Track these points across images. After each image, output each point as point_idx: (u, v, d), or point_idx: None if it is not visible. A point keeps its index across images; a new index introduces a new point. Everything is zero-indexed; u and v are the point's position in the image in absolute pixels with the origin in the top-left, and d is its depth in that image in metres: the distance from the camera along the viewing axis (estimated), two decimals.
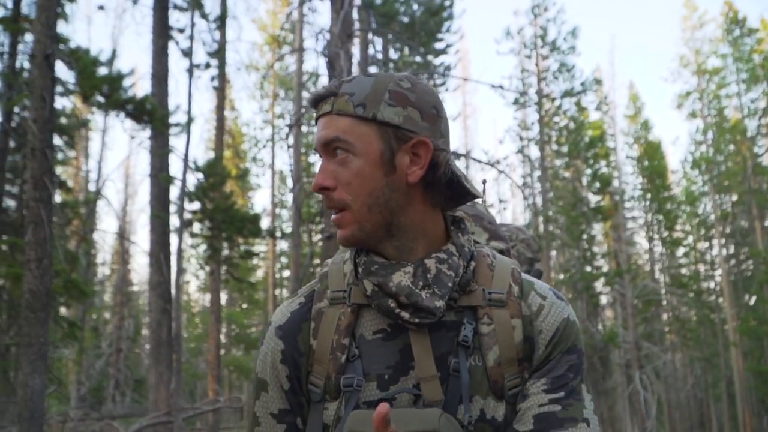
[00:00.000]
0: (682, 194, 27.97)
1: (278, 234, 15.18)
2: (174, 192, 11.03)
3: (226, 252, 13.13)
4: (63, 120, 13.04)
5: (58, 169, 13.77)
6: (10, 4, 10.35)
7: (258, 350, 1.10)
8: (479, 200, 1.10)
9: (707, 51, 25.80)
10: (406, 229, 1.01)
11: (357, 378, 0.98)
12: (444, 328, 1.00)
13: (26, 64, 11.58)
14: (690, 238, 28.70)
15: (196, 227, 12.33)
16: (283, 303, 1.11)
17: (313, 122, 21.28)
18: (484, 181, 1.53)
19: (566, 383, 1.00)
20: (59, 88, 7.96)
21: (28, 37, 10.41)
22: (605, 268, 23.92)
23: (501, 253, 1.39)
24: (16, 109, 11.54)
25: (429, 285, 0.98)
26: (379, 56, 16.70)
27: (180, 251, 10.82)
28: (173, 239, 10.54)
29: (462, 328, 0.99)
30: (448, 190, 1.03)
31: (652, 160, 25.87)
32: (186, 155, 10.60)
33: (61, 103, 12.60)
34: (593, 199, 22.87)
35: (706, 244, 28.63)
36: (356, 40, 13.16)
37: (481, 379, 0.99)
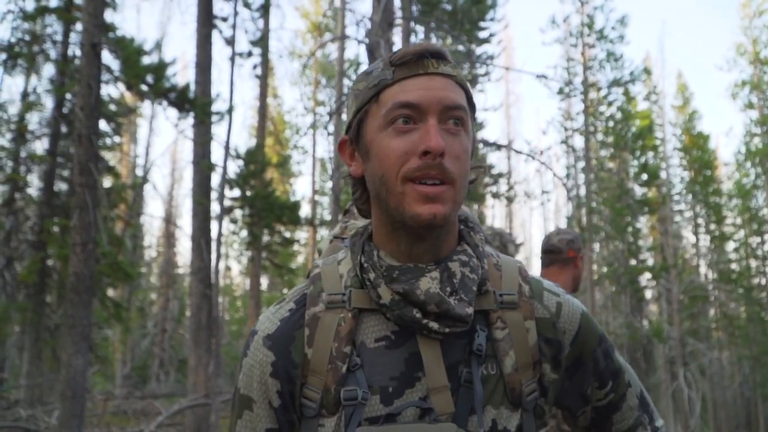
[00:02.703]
0: (734, 187, 27.11)
1: (317, 222, 15.30)
2: (215, 179, 11.24)
3: (266, 238, 13.32)
4: (112, 107, 13.41)
5: (107, 155, 14.17)
6: None
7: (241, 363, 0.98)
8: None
9: (765, 40, 24.83)
10: (451, 222, 0.93)
11: (362, 390, 0.88)
12: (453, 335, 0.91)
13: (77, 53, 11.96)
14: (741, 233, 27.84)
15: (237, 214, 12.53)
16: (269, 309, 0.99)
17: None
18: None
19: (608, 370, 1.04)
20: (107, 76, 8.14)
21: (79, 26, 10.71)
22: (650, 262, 23.41)
23: None
24: (68, 96, 11.93)
25: (456, 291, 0.89)
26: None
27: (220, 237, 11.01)
28: (214, 225, 10.74)
29: (475, 335, 0.92)
30: None
31: (699, 151, 25.12)
32: (227, 143, 10.75)
33: (109, 90, 12.95)
34: (639, 191, 22.34)
35: (758, 239, 27.74)
36: (398, 29, 13.11)
37: (495, 388, 0.92)
